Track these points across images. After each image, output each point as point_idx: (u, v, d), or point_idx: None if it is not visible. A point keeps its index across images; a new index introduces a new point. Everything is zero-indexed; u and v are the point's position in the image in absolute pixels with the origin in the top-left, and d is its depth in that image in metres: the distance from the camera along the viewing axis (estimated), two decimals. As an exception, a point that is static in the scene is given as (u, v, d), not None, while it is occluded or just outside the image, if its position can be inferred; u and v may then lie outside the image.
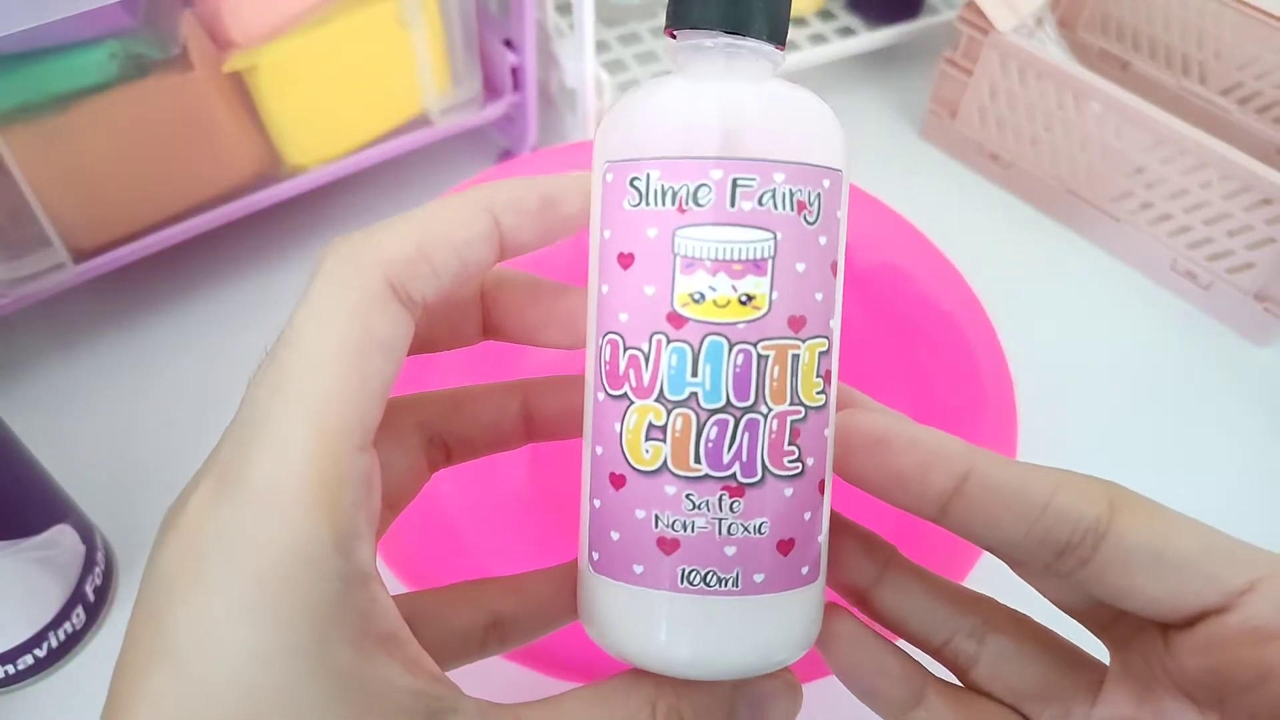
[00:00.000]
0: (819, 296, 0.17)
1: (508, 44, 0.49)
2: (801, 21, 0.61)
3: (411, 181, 0.53)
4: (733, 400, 0.16)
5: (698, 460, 0.17)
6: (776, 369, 0.17)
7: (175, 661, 0.14)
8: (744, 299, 0.16)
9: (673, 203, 0.16)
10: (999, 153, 0.55)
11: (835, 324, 0.17)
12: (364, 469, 0.15)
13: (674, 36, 0.18)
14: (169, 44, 0.38)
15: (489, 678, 0.23)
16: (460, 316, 0.20)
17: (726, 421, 0.16)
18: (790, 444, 0.17)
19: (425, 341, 0.19)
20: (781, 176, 0.16)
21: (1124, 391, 0.46)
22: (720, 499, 0.17)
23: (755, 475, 0.17)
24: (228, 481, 0.15)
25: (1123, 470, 0.43)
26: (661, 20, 0.60)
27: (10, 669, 0.33)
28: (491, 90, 0.51)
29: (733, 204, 0.16)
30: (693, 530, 0.17)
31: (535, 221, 0.18)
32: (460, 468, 0.22)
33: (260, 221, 0.47)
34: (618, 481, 0.17)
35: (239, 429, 0.15)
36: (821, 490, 0.18)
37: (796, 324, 0.17)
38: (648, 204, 0.17)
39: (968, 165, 0.58)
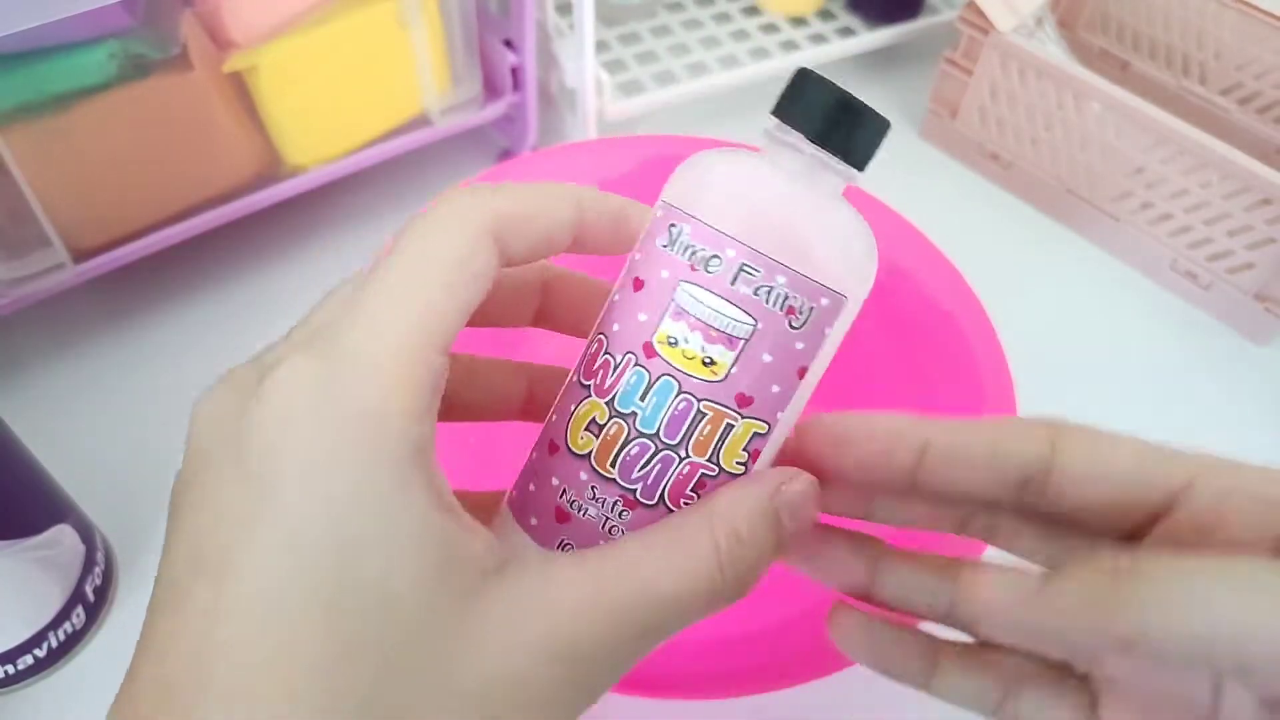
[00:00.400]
0: (775, 389, 0.19)
1: (508, 44, 0.49)
2: (801, 21, 0.61)
3: (411, 181, 0.53)
4: (661, 434, 0.18)
5: (613, 465, 0.19)
6: (708, 428, 0.19)
7: (277, 513, 0.15)
8: (707, 360, 0.18)
9: (689, 259, 0.18)
10: (999, 153, 0.55)
11: (786, 417, 0.19)
12: (440, 367, 0.17)
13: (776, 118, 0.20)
14: (169, 44, 0.38)
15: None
16: (521, 299, 0.22)
17: (649, 447, 0.19)
18: (692, 490, 0.19)
19: (486, 315, 0.21)
20: (783, 280, 0.18)
21: (1124, 391, 0.46)
22: (615, 503, 0.19)
23: (651, 500, 0.19)
24: (321, 349, 0.16)
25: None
26: (661, 20, 0.60)
27: (10, 669, 0.33)
28: (491, 90, 0.51)
29: (733, 283, 0.18)
30: (584, 514, 0.19)
31: (610, 225, 0.20)
32: (462, 454, 0.23)
33: (260, 221, 0.48)
34: (553, 448, 0.20)
35: (334, 306, 0.18)
36: None
37: (742, 400, 0.19)
38: (672, 250, 0.19)
39: (968, 165, 0.58)
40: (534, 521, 0.20)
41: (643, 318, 0.19)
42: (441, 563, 0.16)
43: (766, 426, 0.19)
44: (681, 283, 0.18)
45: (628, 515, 0.19)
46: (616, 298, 0.20)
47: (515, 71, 0.50)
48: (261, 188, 0.44)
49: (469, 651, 0.16)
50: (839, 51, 0.58)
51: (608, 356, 0.19)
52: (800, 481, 0.19)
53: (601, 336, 0.19)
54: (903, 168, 0.57)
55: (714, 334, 0.18)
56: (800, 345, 0.19)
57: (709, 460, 0.19)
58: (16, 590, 0.32)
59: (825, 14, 0.61)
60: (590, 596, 0.17)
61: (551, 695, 0.16)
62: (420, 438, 0.16)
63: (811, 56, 0.57)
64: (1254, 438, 0.45)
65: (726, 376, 0.18)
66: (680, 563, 0.17)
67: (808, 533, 0.20)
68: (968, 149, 0.57)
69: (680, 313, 0.18)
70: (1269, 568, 0.15)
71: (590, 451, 0.19)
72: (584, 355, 0.20)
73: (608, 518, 0.19)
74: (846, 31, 0.60)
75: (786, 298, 0.18)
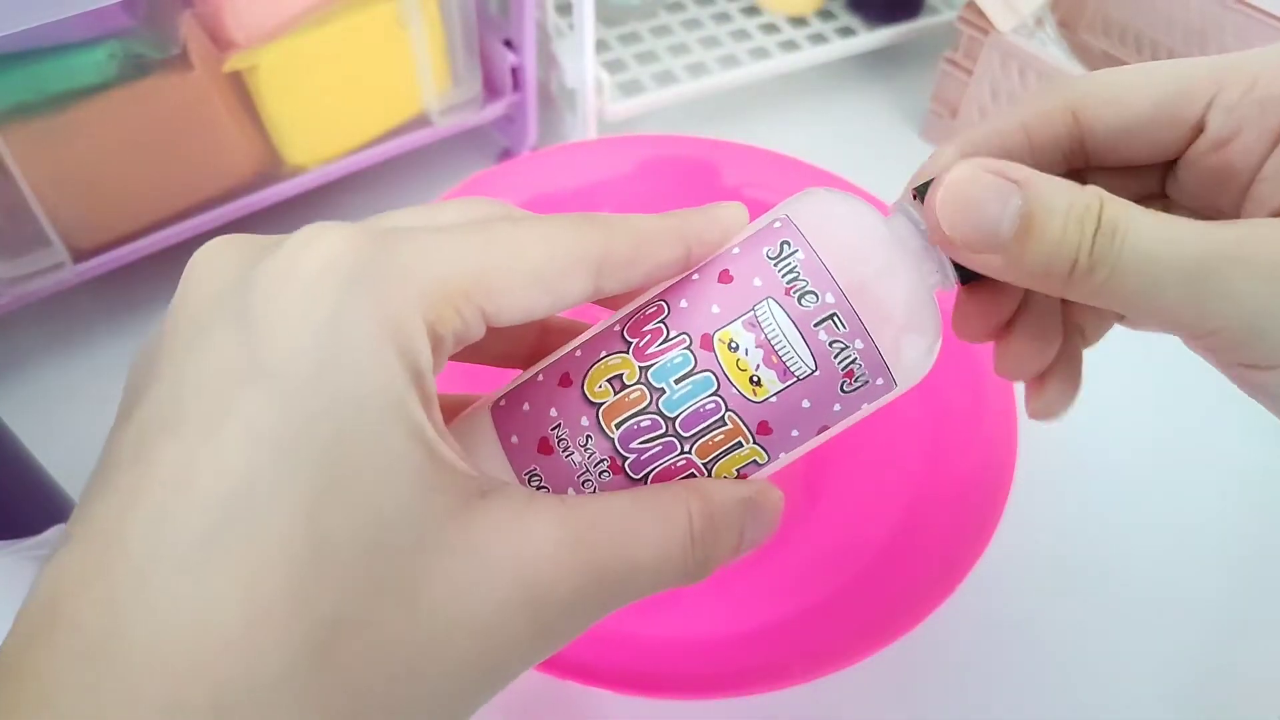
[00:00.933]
0: (794, 433, 0.19)
1: (508, 44, 0.49)
2: (801, 21, 0.61)
3: (411, 181, 0.53)
4: (678, 421, 0.19)
5: (618, 426, 0.19)
6: (721, 436, 0.19)
7: (276, 388, 0.14)
8: (755, 379, 0.18)
9: (788, 282, 0.19)
10: (999, 153, 0.55)
11: (784, 459, 0.20)
12: (474, 324, 0.17)
13: (915, 196, 0.20)
14: (169, 44, 0.38)
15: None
16: (521, 341, 0.22)
17: (659, 427, 0.19)
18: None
19: (481, 352, 0.21)
20: (860, 346, 0.19)
21: (1124, 389, 0.46)
22: (601, 461, 0.19)
23: (637, 474, 0.19)
24: (376, 238, 0.16)
25: (1123, 468, 0.42)
26: (661, 20, 0.60)
27: (9, 669, 0.33)
28: (491, 90, 0.51)
29: (816, 325, 0.18)
30: (567, 455, 0.19)
31: (712, 251, 0.20)
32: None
33: (260, 221, 0.48)
34: (565, 381, 0.19)
35: (409, 219, 0.17)
36: None
37: (762, 429, 0.19)
38: (775, 265, 0.19)
39: (968, 165, 0.58)
40: (514, 440, 0.19)
41: (715, 310, 0.19)
42: (431, 484, 0.15)
43: (766, 459, 0.19)
44: (769, 299, 0.18)
45: (607, 478, 0.19)
46: (695, 277, 0.19)
47: (515, 71, 0.50)
48: (261, 188, 0.44)
49: (441, 580, 0.15)
50: (839, 51, 0.58)
51: (661, 325, 0.19)
52: (773, 494, 0.20)
53: (663, 304, 0.19)
54: (903, 168, 0.57)
55: (775, 360, 0.18)
56: (837, 408, 0.19)
57: (705, 464, 0.19)
58: (15, 590, 0.32)
59: (825, 14, 0.61)
60: (569, 546, 0.16)
61: (513, 641, 0.16)
62: (427, 361, 0.16)
63: (812, 56, 0.57)
64: (1255, 438, 0.45)
65: (763, 401, 0.18)
66: (658, 529, 0.18)
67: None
68: (968, 149, 0.57)
69: (754, 325, 0.18)
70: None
71: (603, 403, 0.19)
72: (635, 311, 0.20)
73: (588, 470, 0.19)
74: (846, 31, 0.60)
75: (854, 362, 0.19)
